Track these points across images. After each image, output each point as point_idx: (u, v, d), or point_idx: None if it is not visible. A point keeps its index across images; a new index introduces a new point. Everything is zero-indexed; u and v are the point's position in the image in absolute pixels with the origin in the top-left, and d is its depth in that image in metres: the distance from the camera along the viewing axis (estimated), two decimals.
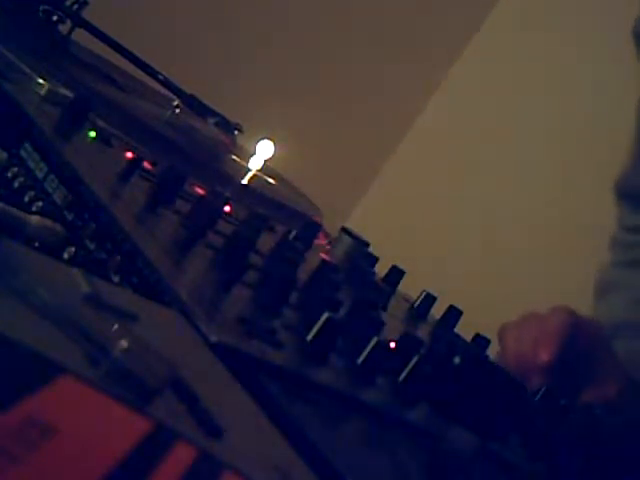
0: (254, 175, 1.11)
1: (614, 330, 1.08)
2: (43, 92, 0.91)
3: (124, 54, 1.19)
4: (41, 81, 0.91)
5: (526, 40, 2.04)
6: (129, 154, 0.84)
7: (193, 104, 1.18)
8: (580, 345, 0.90)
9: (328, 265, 0.84)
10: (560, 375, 0.87)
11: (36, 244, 0.68)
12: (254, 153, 1.13)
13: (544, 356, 0.86)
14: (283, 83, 1.91)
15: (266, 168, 1.14)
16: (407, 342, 0.76)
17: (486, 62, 2.08)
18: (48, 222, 0.69)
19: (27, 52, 0.99)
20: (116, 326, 0.44)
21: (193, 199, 0.82)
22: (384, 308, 0.90)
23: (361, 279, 0.90)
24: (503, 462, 0.72)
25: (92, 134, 0.86)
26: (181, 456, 0.36)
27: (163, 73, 1.19)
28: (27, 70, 0.92)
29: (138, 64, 1.19)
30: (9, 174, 0.76)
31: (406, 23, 2.01)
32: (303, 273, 0.79)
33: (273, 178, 1.18)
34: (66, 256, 0.68)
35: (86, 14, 1.16)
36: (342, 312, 0.75)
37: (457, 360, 0.74)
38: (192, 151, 1.05)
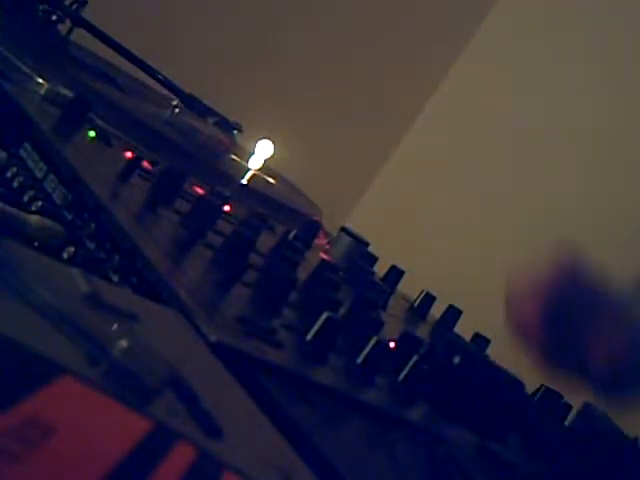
0: (254, 175, 1.11)
1: None
2: (43, 92, 0.91)
3: (123, 54, 1.19)
4: (41, 81, 0.91)
5: (526, 40, 2.04)
6: (128, 154, 0.84)
7: (192, 104, 1.18)
8: (579, 293, 0.88)
9: (328, 265, 0.84)
10: (560, 326, 0.85)
11: (35, 244, 0.68)
12: (254, 153, 1.13)
13: (532, 306, 0.84)
14: (283, 83, 1.91)
15: (266, 168, 1.14)
16: (407, 342, 0.76)
17: (486, 62, 2.08)
18: (47, 222, 0.69)
19: (27, 52, 0.98)
20: (116, 326, 0.44)
21: (193, 199, 0.82)
22: (384, 308, 0.90)
23: (361, 279, 0.90)
24: (502, 461, 0.72)
25: (91, 134, 0.86)
26: (181, 456, 0.36)
27: (162, 73, 1.19)
28: (27, 70, 0.92)
29: (137, 64, 1.19)
30: (9, 174, 0.76)
31: (406, 23, 2.01)
32: (303, 273, 0.79)
33: (273, 178, 1.18)
34: (65, 256, 0.68)
35: (85, 14, 1.16)
36: (342, 312, 0.75)
37: (457, 360, 0.74)
38: (192, 151, 1.05)
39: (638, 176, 1.81)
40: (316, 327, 0.67)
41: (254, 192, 1.05)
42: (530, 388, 0.86)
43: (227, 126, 1.22)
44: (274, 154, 1.13)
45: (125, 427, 0.36)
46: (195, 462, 0.36)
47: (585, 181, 1.91)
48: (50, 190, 0.74)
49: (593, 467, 0.77)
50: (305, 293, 0.77)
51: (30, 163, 0.77)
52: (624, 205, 1.82)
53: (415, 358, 0.72)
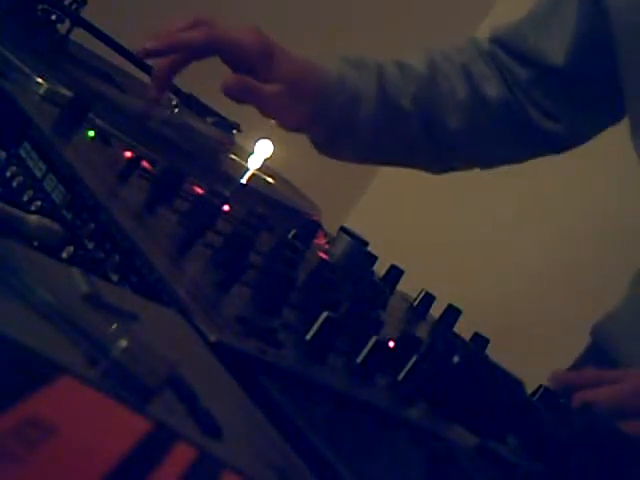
0: (253, 174, 1.11)
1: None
2: (42, 91, 0.91)
3: (123, 53, 1.19)
4: (40, 80, 0.91)
5: None
6: (128, 153, 0.84)
7: (192, 104, 1.18)
8: None
9: (327, 264, 0.84)
10: None
11: (35, 243, 0.68)
12: (253, 152, 1.13)
13: None
14: None
15: (265, 167, 1.14)
16: (406, 341, 0.76)
17: None
18: (47, 221, 0.69)
19: (26, 51, 0.98)
20: (115, 326, 0.44)
21: (192, 198, 0.82)
22: (383, 307, 0.90)
23: (360, 278, 0.90)
24: (502, 461, 0.72)
25: (91, 133, 0.86)
26: (181, 456, 0.36)
27: None
28: (26, 69, 0.92)
29: (137, 63, 1.19)
30: (8, 173, 0.76)
31: (407, 22, 2.02)
32: (302, 272, 0.79)
33: (272, 177, 1.18)
34: (65, 255, 0.68)
35: (85, 13, 1.16)
36: (341, 311, 0.75)
37: (456, 359, 0.74)
38: (191, 150, 1.05)
39: None
40: (315, 327, 0.67)
41: (253, 192, 1.05)
42: (530, 388, 0.86)
43: (226, 126, 1.22)
44: (273, 154, 1.13)
45: (125, 427, 0.36)
46: (195, 462, 0.36)
47: (586, 180, 1.91)
48: (49, 190, 0.74)
49: (593, 467, 0.77)
50: (304, 293, 0.77)
51: (29, 163, 0.76)
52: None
53: (415, 358, 0.72)
